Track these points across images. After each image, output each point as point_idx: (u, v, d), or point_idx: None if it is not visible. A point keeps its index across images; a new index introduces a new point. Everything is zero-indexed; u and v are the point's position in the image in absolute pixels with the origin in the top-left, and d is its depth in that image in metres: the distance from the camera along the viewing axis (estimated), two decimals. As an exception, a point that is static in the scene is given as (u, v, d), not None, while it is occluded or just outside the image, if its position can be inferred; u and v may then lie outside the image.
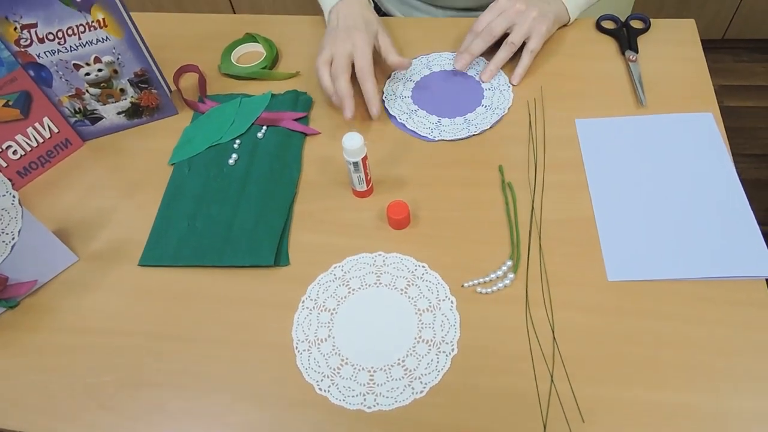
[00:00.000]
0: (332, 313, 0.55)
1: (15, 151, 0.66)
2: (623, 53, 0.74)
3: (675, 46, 0.74)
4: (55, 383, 0.53)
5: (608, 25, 0.78)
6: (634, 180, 0.62)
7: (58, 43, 0.62)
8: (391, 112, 0.71)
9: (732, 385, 0.48)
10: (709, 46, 1.81)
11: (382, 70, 0.75)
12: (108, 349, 0.54)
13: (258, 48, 0.81)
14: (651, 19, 0.77)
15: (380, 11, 0.96)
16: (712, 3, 1.68)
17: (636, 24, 0.77)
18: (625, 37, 0.75)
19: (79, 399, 0.52)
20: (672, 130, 0.65)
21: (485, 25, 0.70)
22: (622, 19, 0.78)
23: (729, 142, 0.63)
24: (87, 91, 0.68)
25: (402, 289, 0.56)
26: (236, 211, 0.62)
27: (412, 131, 0.68)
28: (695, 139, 0.64)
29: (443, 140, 0.67)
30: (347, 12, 0.70)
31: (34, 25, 0.60)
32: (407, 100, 0.72)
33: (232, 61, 0.79)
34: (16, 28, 0.60)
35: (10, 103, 0.63)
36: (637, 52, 0.74)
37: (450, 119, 0.69)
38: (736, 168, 0.60)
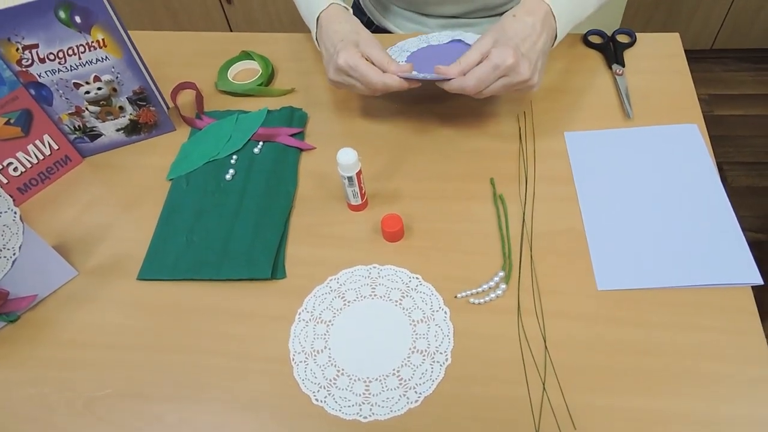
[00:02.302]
0: (328, 325, 0.56)
1: (16, 167, 0.67)
2: (610, 67, 0.76)
3: (660, 60, 0.76)
4: (55, 396, 0.53)
5: (595, 39, 0.80)
6: (622, 191, 0.63)
7: (59, 63, 0.64)
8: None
9: (722, 391, 0.49)
10: (698, 56, 1.84)
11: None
12: (107, 363, 0.55)
13: (254, 65, 0.82)
14: (637, 34, 0.79)
15: (372, 25, 0.97)
16: (700, 13, 1.71)
17: (622, 38, 0.79)
18: (612, 52, 0.77)
19: (79, 412, 0.52)
20: (658, 142, 0.67)
21: (471, 66, 0.61)
22: (609, 34, 0.80)
23: (719, 150, 0.64)
24: (86, 108, 0.69)
25: (396, 301, 0.57)
26: (233, 225, 0.63)
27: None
28: (681, 149, 0.66)
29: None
30: (324, 38, 0.69)
31: (36, 46, 0.62)
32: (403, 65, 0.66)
33: (229, 78, 0.80)
34: (18, 49, 0.61)
35: (12, 121, 0.64)
36: (623, 65, 0.75)
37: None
38: (727, 176, 0.62)
